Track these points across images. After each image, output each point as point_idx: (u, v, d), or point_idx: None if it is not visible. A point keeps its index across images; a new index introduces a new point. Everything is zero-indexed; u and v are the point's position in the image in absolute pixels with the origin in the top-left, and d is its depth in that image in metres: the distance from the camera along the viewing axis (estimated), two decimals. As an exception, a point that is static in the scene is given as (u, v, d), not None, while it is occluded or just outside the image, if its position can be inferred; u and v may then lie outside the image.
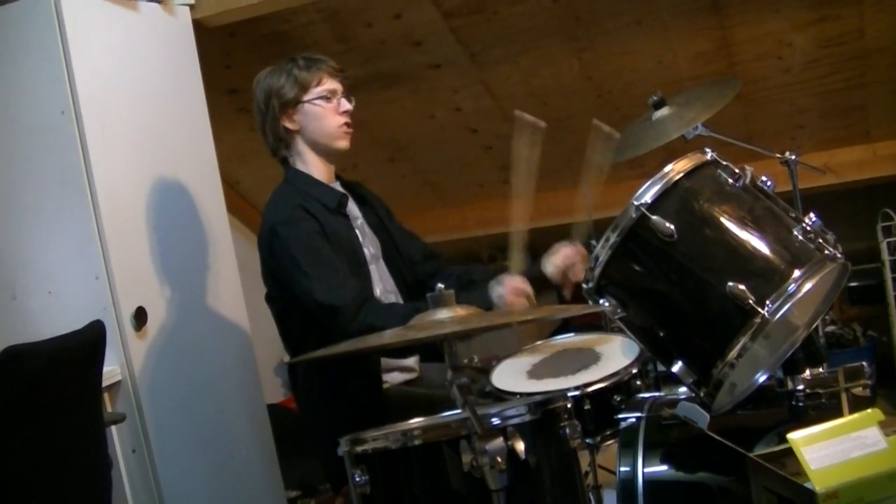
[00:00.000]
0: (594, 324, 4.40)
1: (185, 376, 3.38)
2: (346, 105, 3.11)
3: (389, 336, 2.18)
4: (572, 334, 3.37)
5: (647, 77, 4.48)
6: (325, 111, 3.07)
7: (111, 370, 3.08)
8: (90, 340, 2.52)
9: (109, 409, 3.12)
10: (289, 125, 3.06)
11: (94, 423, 2.58)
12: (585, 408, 2.79)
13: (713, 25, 4.20)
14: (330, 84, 3.10)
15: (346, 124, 3.11)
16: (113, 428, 3.06)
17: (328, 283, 2.88)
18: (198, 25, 3.80)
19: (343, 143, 3.13)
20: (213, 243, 3.62)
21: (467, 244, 5.74)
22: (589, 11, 4.22)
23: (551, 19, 4.30)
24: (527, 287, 2.92)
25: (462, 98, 4.83)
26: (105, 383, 2.96)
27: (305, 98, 3.05)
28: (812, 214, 2.43)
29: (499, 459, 1.96)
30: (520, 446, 2.05)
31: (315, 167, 3.11)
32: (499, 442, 1.98)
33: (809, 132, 4.70)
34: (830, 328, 4.85)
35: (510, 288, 2.89)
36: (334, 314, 2.85)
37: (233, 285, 3.69)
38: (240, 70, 4.61)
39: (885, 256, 4.51)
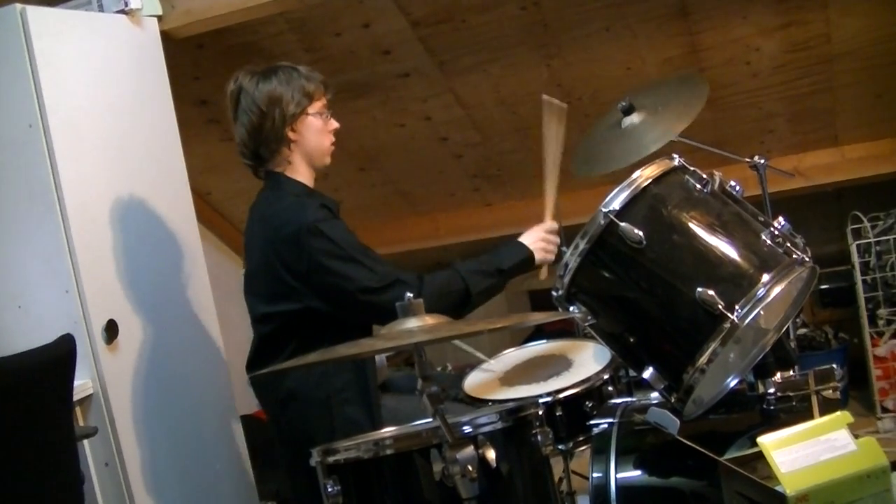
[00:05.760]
0: (567, 330, 4.42)
1: (157, 389, 3.36)
2: (335, 123, 3.10)
3: (362, 345, 2.17)
4: (545, 341, 3.38)
5: (616, 83, 4.49)
6: (323, 126, 3.06)
7: (83, 384, 3.06)
8: (60, 355, 2.50)
9: (81, 423, 3.10)
10: (291, 135, 3.00)
11: (65, 438, 2.56)
12: (557, 414, 2.81)
13: (681, 31, 4.23)
14: (324, 100, 3.08)
15: (332, 142, 3.11)
16: (85, 442, 3.05)
17: (382, 266, 2.87)
18: (166, 37, 3.78)
19: (328, 160, 3.11)
20: (184, 255, 3.60)
21: (439, 252, 5.74)
22: (557, 19, 4.24)
23: (520, 27, 4.31)
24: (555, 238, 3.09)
25: (431, 107, 4.84)
26: (77, 397, 2.95)
27: (311, 110, 3.02)
28: (781, 218, 2.45)
29: (469, 468, 1.96)
30: (490, 454, 2.05)
31: (304, 177, 3.06)
32: (469, 451, 1.98)
33: (778, 136, 4.74)
34: (802, 331, 4.88)
35: (541, 236, 3.08)
36: (403, 287, 2.77)
37: (204, 297, 3.67)
38: (209, 81, 4.59)
39: (856, 259, 4.54)
